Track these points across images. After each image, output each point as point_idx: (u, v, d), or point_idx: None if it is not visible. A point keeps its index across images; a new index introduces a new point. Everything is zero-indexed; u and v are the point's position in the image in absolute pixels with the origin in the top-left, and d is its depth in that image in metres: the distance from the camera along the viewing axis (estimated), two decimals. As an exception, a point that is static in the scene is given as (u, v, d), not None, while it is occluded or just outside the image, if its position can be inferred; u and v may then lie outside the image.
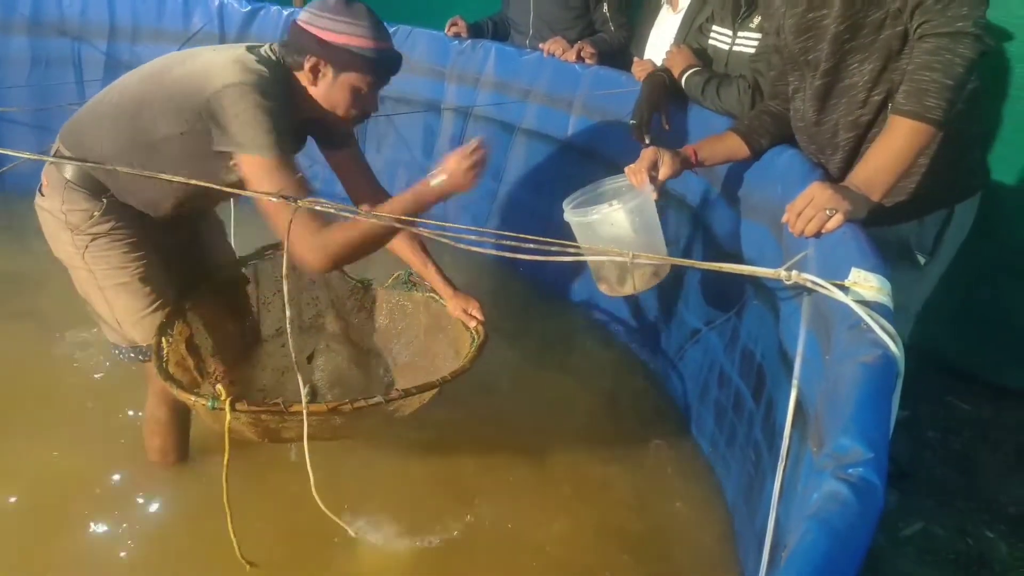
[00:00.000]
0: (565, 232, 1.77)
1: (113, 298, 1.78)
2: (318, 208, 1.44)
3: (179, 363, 1.77)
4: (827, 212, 1.35)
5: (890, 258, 1.64)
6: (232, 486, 1.48)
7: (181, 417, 1.97)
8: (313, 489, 1.47)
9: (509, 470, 2.13)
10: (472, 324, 1.94)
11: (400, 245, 2.02)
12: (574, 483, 2.12)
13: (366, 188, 1.94)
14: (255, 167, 1.53)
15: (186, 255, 1.95)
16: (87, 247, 1.74)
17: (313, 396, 2.10)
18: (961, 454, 2.43)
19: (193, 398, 1.51)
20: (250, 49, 1.64)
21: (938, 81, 1.33)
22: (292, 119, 1.64)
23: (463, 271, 3.00)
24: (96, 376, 2.37)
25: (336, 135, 1.87)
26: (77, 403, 2.26)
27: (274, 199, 1.46)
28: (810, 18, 1.58)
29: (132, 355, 1.84)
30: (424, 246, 2.04)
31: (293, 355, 1.50)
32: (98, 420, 2.19)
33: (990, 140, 2.15)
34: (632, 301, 2.73)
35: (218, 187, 1.45)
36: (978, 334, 2.52)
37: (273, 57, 1.66)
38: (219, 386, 1.49)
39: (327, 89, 1.66)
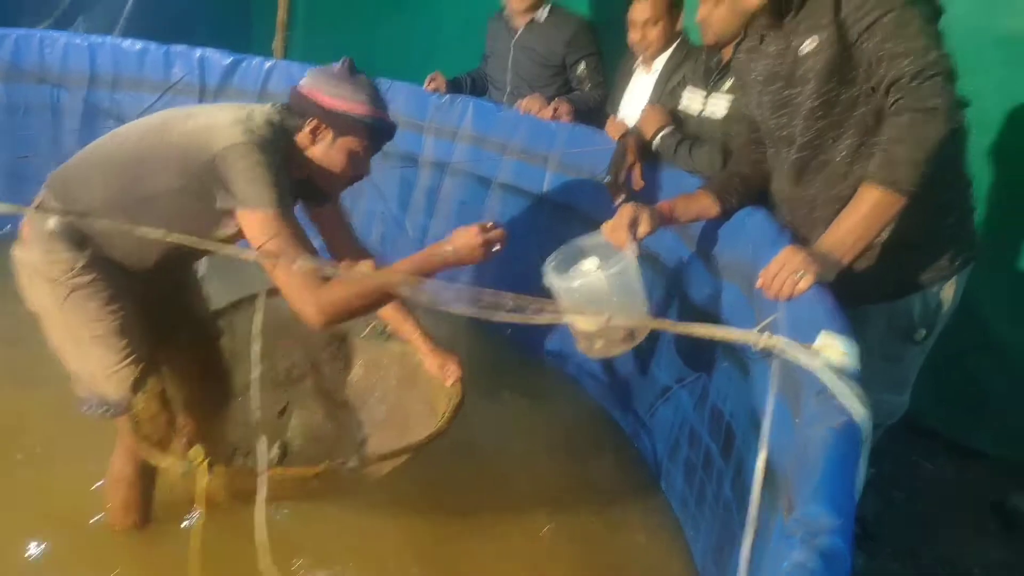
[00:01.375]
0: (540, 284, 1.79)
1: (88, 350, 1.76)
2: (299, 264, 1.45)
3: (151, 419, 1.74)
4: (797, 275, 1.38)
5: (892, 335, 1.70)
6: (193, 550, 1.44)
7: (148, 476, 1.92)
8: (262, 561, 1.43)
9: (479, 529, 2.10)
10: (449, 382, 1.93)
11: None
12: (545, 542, 2.09)
13: (347, 244, 1.98)
14: (258, 222, 1.56)
15: (161, 307, 1.93)
16: (66, 298, 1.72)
17: (285, 453, 2.07)
18: (926, 515, 2.44)
19: (166, 460, 1.49)
20: (250, 111, 1.68)
21: (909, 154, 1.38)
22: (283, 166, 1.67)
23: (438, 321, 3.01)
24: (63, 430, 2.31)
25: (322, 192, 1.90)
26: (37, 457, 2.19)
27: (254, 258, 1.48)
28: (785, 95, 1.64)
29: (102, 410, 1.80)
30: (403, 300, 2.05)
31: (258, 414, 1.49)
32: (57, 477, 2.13)
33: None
34: (605, 358, 2.74)
35: (204, 246, 1.45)
36: (942, 395, 2.56)
37: (273, 119, 1.70)
38: (194, 448, 1.47)
39: (325, 151, 1.73)
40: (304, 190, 1.82)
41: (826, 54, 1.53)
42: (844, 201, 1.56)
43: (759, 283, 1.46)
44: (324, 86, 1.68)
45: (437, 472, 2.13)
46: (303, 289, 1.54)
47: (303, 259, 1.48)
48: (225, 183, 1.58)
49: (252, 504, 1.61)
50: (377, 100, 1.73)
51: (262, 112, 1.70)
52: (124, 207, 1.67)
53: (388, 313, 2.06)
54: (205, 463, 1.45)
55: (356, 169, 1.78)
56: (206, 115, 1.66)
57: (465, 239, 1.59)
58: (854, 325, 1.46)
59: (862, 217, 1.43)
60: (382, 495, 2.09)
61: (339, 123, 1.69)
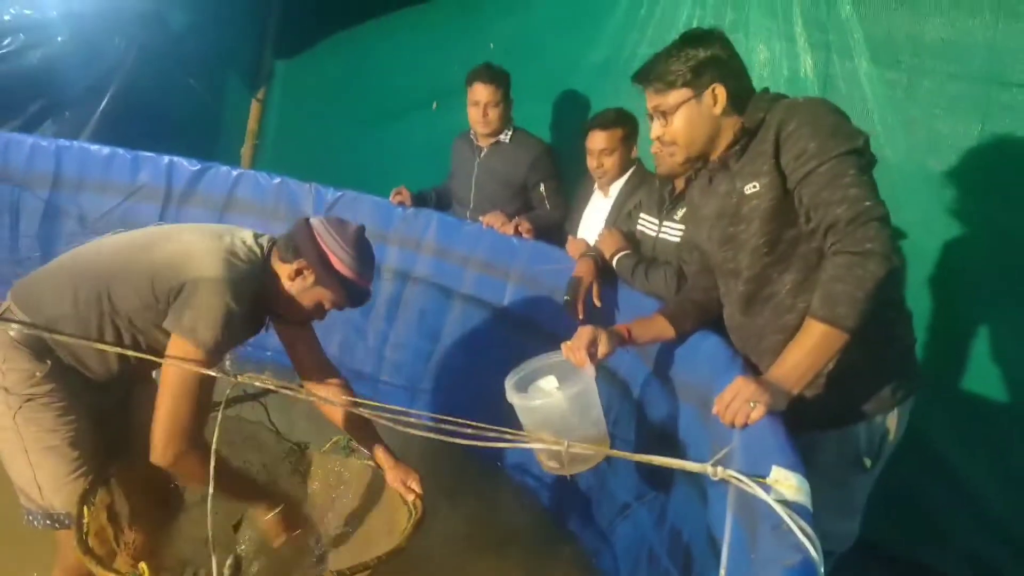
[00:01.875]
0: (498, 396, 1.82)
1: (38, 461, 1.72)
2: (257, 384, 1.45)
3: (98, 533, 1.68)
4: (751, 404, 1.43)
5: (840, 463, 1.75)
6: None
7: None
8: None
9: None
10: (410, 498, 1.93)
11: (340, 414, 2.03)
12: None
13: (313, 362, 2.02)
14: (181, 351, 1.61)
15: (114, 415, 1.90)
16: (20, 408, 1.70)
17: (238, 567, 2.00)
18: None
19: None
20: (233, 240, 1.73)
21: (849, 293, 1.45)
22: (255, 307, 1.74)
23: (392, 433, 2.99)
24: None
25: None
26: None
27: (198, 367, 1.50)
28: (730, 231, 1.74)
29: (47, 522, 1.74)
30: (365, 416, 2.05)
31: (210, 533, 1.46)
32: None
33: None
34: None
35: (168, 363, 1.46)
36: (896, 517, 2.60)
37: (256, 249, 1.76)
38: (142, 564, 1.42)
39: (300, 290, 1.79)
40: (271, 312, 1.85)
41: (767, 197, 1.64)
42: (791, 331, 1.63)
43: (714, 410, 1.51)
44: (332, 240, 1.76)
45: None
46: (173, 427, 1.60)
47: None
48: (179, 307, 1.62)
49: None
50: (370, 272, 1.84)
51: (245, 242, 1.75)
52: (90, 319, 1.68)
53: (350, 427, 2.06)
54: None
55: (316, 314, 1.87)
56: (189, 239, 1.70)
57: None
58: (804, 451, 1.51)
59: (808, 351, 1.49)
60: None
61: (327, 276, 1.76)
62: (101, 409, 1.84)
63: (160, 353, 1.65)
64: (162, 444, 1.61)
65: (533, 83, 3.59)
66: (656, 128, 1.78)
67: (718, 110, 1.69)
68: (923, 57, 2.48)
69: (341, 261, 1.76)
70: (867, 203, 1.49)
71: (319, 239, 1.76)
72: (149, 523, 1.90)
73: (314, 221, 1.79)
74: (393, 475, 1.99)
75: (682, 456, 1.88)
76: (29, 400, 1.70)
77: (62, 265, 1.79)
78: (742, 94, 1.71)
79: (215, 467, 1.60)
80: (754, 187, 1.66)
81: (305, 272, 1.76)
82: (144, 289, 1.65)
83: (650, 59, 1.76)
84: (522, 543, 2.61)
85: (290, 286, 1.78)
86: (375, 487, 2.09)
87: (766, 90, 1.74)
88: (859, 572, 2.61)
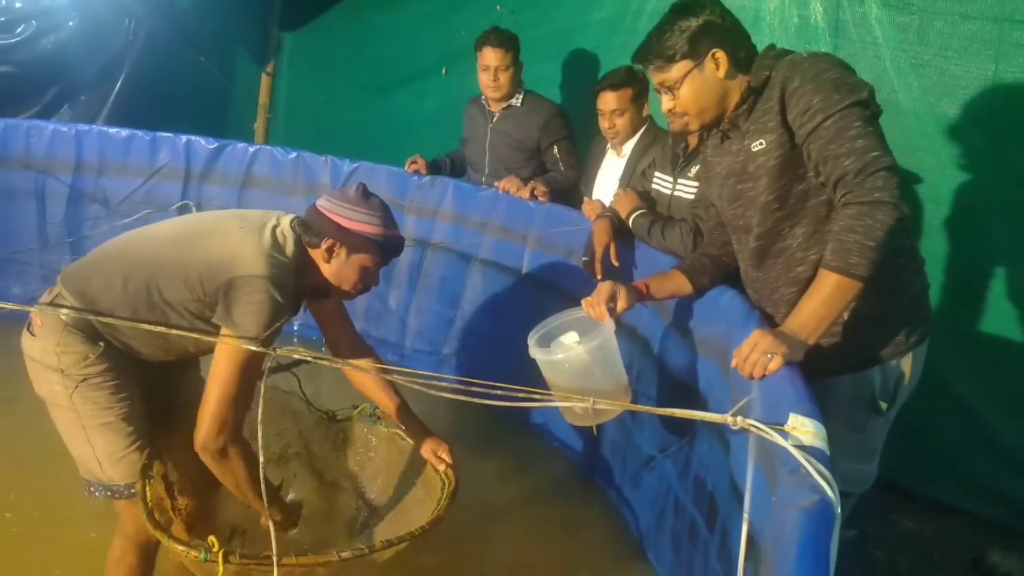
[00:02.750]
0: (520, 356, 1.88)
1: (95, 437, 1.81)
2: (295, 356, 1.52)
3: (157, 504, 1.78)
4: (768, 356, 1.48)
5: (856, 407, 1.80)
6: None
7: (148, 562, 1.95)
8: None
9: None
10: (441, 467, 2.01)
11: (371, 385, 2.11)
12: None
13: (345, 337, 2.08)
14: (231, 349, 1.66)
15: (162, 390, 1.99)
16: (76, 388, 1.78)
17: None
18: (909, 574, 2.51)
19: (184, 549, 1.53)
20: (278, 232, 1.79)
21: (860, 242, 1.48)
22: (296, 295, 1.80)
23: (420, 397, 3.07)
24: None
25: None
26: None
27: (252, 346, 1.56)
28: (739, 189, 1.77)
29: (107, 494, 1.84)
30: (395, 387, 2.13)
31: (267, 511, 1.54)
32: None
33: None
34: (589, 427, 2.80)
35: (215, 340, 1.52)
36: (916, 456, 2.66)
37: (294, 235, 1.81)
38: (211, 537, 1.51)
39: (339, 267, 1.83)
40: (313, 293, 1.92)
41: (774, 154, 1.66)
42: (803, 283, 1.68)
43: (733, 363, 1.56)
44: (340, 208, 1.79)
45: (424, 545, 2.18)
46: (218, 413, 1.66)
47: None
48: (228, 304, 1.68)
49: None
50: (388, 219, 1.85)
51: (285, 233, 1.80)
52: (140, 309, 1.75)
53: (378, 397, 2.13)
54: (221, 553, 1.48)
55: (366, 281, 1.88)
56: (235, 237, 1.75)
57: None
58: (821, 396, 1.56)
59: (822, 301, 1.53)
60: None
61: (353, 242, 1.79)
62: (150, 384, 1.92)
63: (207, 343, 1.74)
64: (206, 430, 1.67)
65: (541, 44, 3.59)
66: (666, 102, 1.79)
67: (721, 74, 1.70)
68: (934, -2, 2.46)
69: (358, 221, 1.79)
70: (874, 153, 1.51)
71: (330, 214, 1.80)
72: (198, 490, 1.99)
73: (319, 202, 1.83)
74: (425, 446, 2.07)
75: (703, 408, 1.95)
76: (84, 380, 1.78)
77: (110, 254, 1.84)
78: (744, 53, 1.72)
79: (248, 455, 1.71)
80: (760, 144, 1.68)
81: (335, 248, 1.80)
82: (194, 284, 1.72)
83: (646, 38, 1.77)
84: (550, 498, 2.70)
85: (329, 268, 1.83)
86: (403, 454, 2.17)
87: (772, 46, 1.75)
88: (879, 509, 2.69)
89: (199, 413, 1.68)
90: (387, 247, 1.85)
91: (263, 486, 1.64)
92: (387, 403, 2.12)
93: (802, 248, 1.73)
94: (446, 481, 1.95)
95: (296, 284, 1.78)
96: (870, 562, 2.52)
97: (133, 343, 1.83)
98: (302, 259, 1.82)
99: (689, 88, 1.72)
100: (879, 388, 1.80)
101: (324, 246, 1.80)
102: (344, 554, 1.58)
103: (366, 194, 1.83)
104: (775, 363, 1.47)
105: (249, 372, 1.68)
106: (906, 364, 1.79)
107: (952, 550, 2.62)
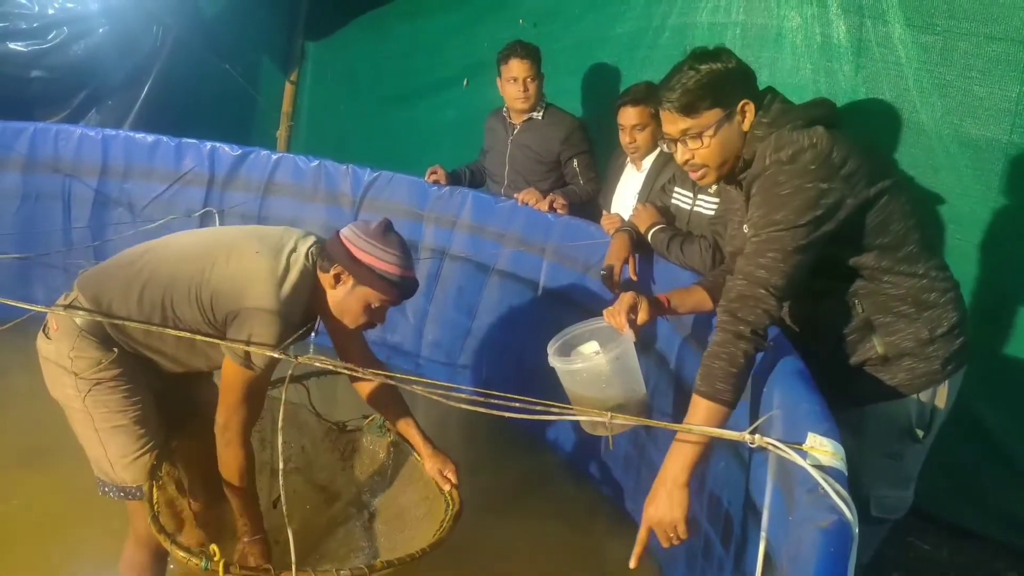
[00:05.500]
0: (536, 368, 1.89)
1: (108, 440, 1.84)
2: (317, 364, 1.54)
3: (168, 503, 1.80)
4: (672, 528, 1.55)
5: (892, 435, 1.81)
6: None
7: (160, 563, 1.98)
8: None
9: None
10: (447, 487, 2.01)
11: (379, 398, 2.13)
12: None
13: (355, 352, 2.08)
14: (235, 375, 1.75)
15: (175, 395, 2.02)
16: (89, 391, 1.82)
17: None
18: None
19: (184, 555, 1.54)
20: (294, 257, 1.82)
21: (725, 369, 1.53)
22: (305, 319, 1.84)
23: (434, 405, 3.08)
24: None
25: None
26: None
27: (276, 353, 1.59)
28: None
29: (120, 494, 1.88)
30: (405, 404, 2.14)
31: (286, 520, 1.56)
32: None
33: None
34: (603, 441, 2.80)
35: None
36: (934, 478, 2.63)
37: (308, 264, 1.83)
38: (213, 546, 1.53)
39: (343, 296, 1.83)
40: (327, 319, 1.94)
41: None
42: (826, 315, 1.75)
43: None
44: (357, 238, 1.80)
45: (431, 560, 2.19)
46: (229, 420, 1.79)
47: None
48: (234, 332, 1.73)
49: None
50: (403, 259, 1.82)
51: (300, 259, 1.81)
52: (153, 319, 1.79)
53: (387, 413, 2.15)
54: (222, 562, 1.50)
55: (370, 317, 1.86)
56: (251, 259, 1.77)
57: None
58: (858, 424, 1.56)
59: (696, 431, 1.53)
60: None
61: (361, 273, 1.79)
62: (158, 387, 1.95)
63: (218, 360, 1.80)
64: (223, 415, 1.77)
65: (563, 58, 3.62)
66: (683, 153, 1.73)
67: (746, 126, 1.68)
68: (958, 19, 2.45)
69: (370, 254, 1.79)
70: (762, 290, 1.56)
71: (347, 242, 1.80)
72: (211, 494, 2.01)
73: (343, 230, 1.84)
74: (431, 464, 2.07)
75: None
76: (97, 384, 1.82)
77: (130, 263, 1.87)
78: (760, 107, 1.70)
79: (248, 463, 1.79)
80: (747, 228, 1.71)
81: (343, 276, 1.80)
82: (206, 307, 1.76)
83: (666, 81, 1.71)
84: (562, 511, 2.70)
85: (333, 294, 1.83)
86: (411, 468, 2.18)
87: (769, 98, 1.70)
88: (895, 531, 2.66)
89: (216, 415, 1.74)
90: (395, 285, 1.82)
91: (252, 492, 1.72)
92: (396, 419, 2.13)
93: (817, 294, 1.76)
94: (450, 503, 1.96)
95: (306, 310, 1.82)
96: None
97: (147, 353, 1.86)
98: (313, 283, 1.83)
99: (717, 139, 1.67)
100: (916, 417, 1.80)
101: (333, 272, 1.81)
102: (343, 572, 1.59)
103: (387, 230, 1.84)
104: (681, 532, 1.55)
105: (254, 393, 1.77)
106: (942, 392, 1.79)
107: (968, 573, 2.59)
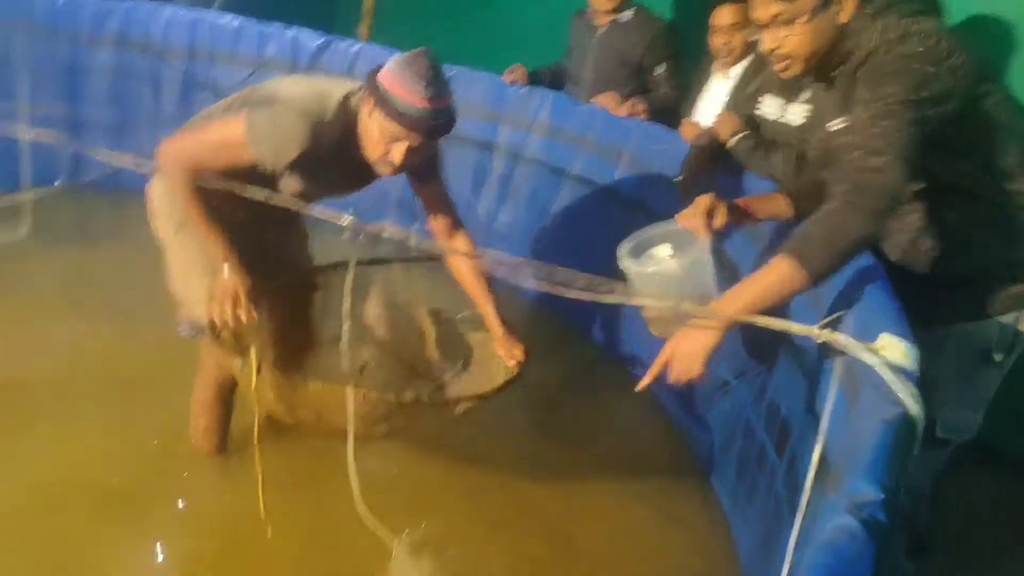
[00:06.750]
0: (605, 274, 1.85)
1: (189, 275, 1.96)
2: (384, 235, 1.57)
3: (233, 335, 1.85)
4: (686, 371, 1.50)
5: (969, 356, 1.74)
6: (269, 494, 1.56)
7: (225, 401, 2.12)
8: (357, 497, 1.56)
9: (527, 514, 2.19)
10: (511, 363, 2.01)
11: (465, 273, 2.09)
12: (588, 527, 2.17)
13: (442, 220, 2.09)
14: (226, 129, 1.78)
15: (266, 254, 2.10)
16: (177, 229, 1.95)
17: (360, 371, 2.18)
18: (981, 534, 2.44)
19: (227, 352, 1.63)
20: (329, 95, 1.79)
21: (825, 239, 1.41)
22: (342, 151, 1.81)
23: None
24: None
25: (420, 170, 1.98)
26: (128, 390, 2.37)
27: (344, 221, 1.62)
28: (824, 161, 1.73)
29: (195, 332, 1.99)
30: (488, 281, 2.10)
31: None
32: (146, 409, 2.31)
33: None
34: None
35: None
36: (1004, 413, 2.54)
37: (346, 102, 1.79)
38: (253, 349, 1.59)
39: (365, 121, 1.76)
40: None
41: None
42: (911, 230, 1.69)
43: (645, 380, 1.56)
44: (391, 62, 1.71)
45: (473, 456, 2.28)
46: (181, 149, 1.81)
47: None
48: (261, 110, 1.76)
49: (320, 434, 1.77)
50: (426, 88, 1.65)
51: (338, 96, 1.78)
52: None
53: (470, 285, 2.11)
54: (255, 361, 1.58)
55: (389, 151, 1.74)
56: (307, 83, 1.80)
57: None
58: (933, 344, 1.49)
59: (764, 284, 1.45)
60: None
61: (378, 97, 1.68)
62: (251, 245, 2.00)
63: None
64: (167, 148, 1.81)
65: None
66: (769, 40, 1.64)
67: (845, 17, 1.58)
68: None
69: (392, 81, 1.66)
70: (884, 158, 1.42)
71: (381, 71, 1.72)
72: (281, 347, 2.06)
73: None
74: (502, 342, 2.06)
75: (790, 337, 1.89)
76: (183, 224, 1.94)
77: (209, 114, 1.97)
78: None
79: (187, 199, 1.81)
80: (840, 123, 1.62)
81: (366, 99, 1.72)
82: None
83: None
84: (611, 415, 2.72)
85: (362, 121, 1.77)
86: (487, 361, 2.18)
87: None
88: (968, 470, 2.60)
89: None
90: (405, 115, 1.66)
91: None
92: (473, 286, 2.10)
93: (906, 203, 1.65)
94: (510, 372, 1.96)
95: (344, 144, 1.79)
96: (945, 515, 2.45)
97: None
98: (349, 128, 1.79)
99: (811, 27, 1.58)
100: (996, 339, 1.72)
101: (363, 97, 1.75)
102: (372, 395, 1.60)
103: (418, 56, 1.68)
104: (696, 371, 1.49)
105: (215, 149, 1.77)
106: None
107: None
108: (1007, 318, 1.71)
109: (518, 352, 2.03)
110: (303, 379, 1.63)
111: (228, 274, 1.82)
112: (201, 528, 2.00)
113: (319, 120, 1.73)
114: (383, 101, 1.67)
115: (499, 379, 1.99)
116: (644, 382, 1.54)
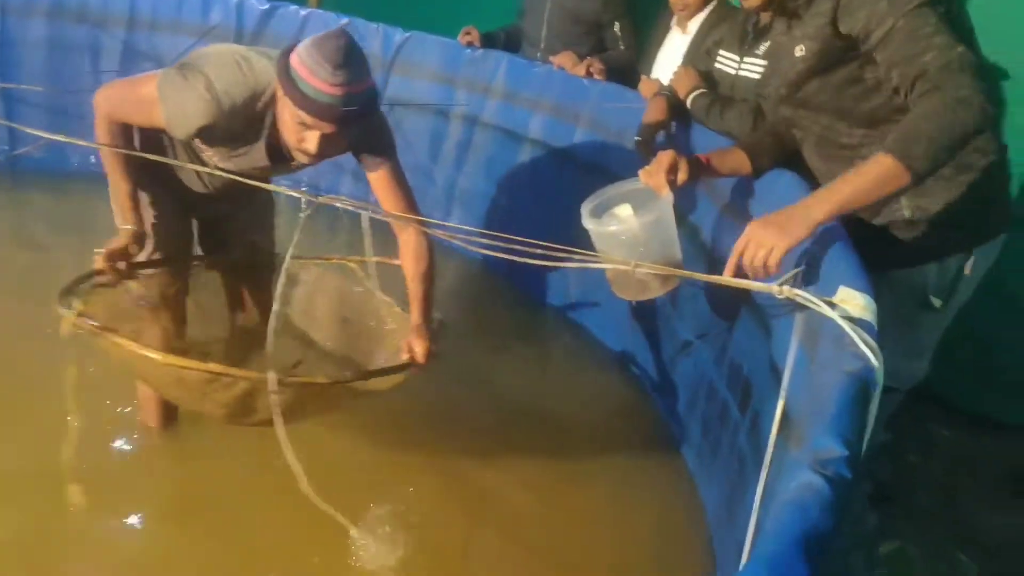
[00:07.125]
0: (566, 240, 1.82)
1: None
2: (337, 204, 1.51)
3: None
4: (764, 251, 1.38)
5: (907, 301, 1.71)
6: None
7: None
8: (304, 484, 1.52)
9: (484, 477, 2.15)
10: (404, 356, 1.80)
11: (409, 272, 1.90)
12: (553, 492, 2.15)
13: (391, 207, 1.86)
14: (150, 85, 1.69)
15: (215, 226, 2.07)
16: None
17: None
18: (940, 481, 2.49)
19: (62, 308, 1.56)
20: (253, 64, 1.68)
21: (931, 133, 1.34)
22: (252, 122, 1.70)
23: (453, 271, 3.05)
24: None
25: (362, 152, 1.83)
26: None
27: (294, 194, 1.55)
28: (783, 93, 1.69)
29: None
30: (429, 286, 1.90)
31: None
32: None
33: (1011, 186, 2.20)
34: (625, 311, 2.77)
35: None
36: (958, 365, 2.58)
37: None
38: (78, 303, 1.54)
39: (279, 107, 1.62)
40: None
41: (811, 63, 1.57)
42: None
43: (730, 263, 1.44)
44: (303, 44, 1.55)
45: (447, 412, 2.28)
46: (110, 96, 1.76)
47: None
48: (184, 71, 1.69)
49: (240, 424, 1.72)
50: (334, 72, 1.49)
51: (270, 75, 1.63)
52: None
53: (412, 286, 1.91)
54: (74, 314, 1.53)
55: (303, 140, 1.59)
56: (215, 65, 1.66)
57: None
58: (874, 290, 1.48)
59: (864, 179, 1.38)
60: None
61: (284, 80, 1.54)
62: (204, 213, 1.99)
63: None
64: (103, 90, 1.77)
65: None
66: None
67: None
68: None
69: (301, 63, 1.51)
70: (958, 49, 1.37)
71: (295, 49, 1.55)
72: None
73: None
74: (409, 335, 1.82)
75: (752, 294, 1.88)
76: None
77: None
78: None
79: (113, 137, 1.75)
80: (801, 51, 1.58)
81: (277, 84, 1.57)
82: None
83: None
84: (577, 377, 2.72)
85: (277, 104, 1.63)
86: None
87: None
88: (914, 418, 2.65)
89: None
90: (307, 100, 1.51)
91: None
92: (414, 290, 1.89)
93: (865, 148, 1.63)
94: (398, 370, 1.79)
95: (266, 123, 1.70)
96: (903, 466, 2.50)
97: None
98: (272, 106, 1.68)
99: None
100: (933, 284, 1.71)
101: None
102: (239, 372, 1.49)
103: (328, 37, 1.52)
104: (774, 257, 1.36)
105: (131, 104, 1.72)
106: (968, 262, 1.70)
107: (987, 462, 2.58)
108: (947, 261, 1.69)
109: (418, 348, 1.79)
110: (125, 341, 1.50)
111: (121, 235, 1.75)
112: (160, 502, 1.95)
113: (233, 98, 1.61)
114: (291, 85, 1.51)
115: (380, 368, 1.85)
116: (727, 272, 1.43)
